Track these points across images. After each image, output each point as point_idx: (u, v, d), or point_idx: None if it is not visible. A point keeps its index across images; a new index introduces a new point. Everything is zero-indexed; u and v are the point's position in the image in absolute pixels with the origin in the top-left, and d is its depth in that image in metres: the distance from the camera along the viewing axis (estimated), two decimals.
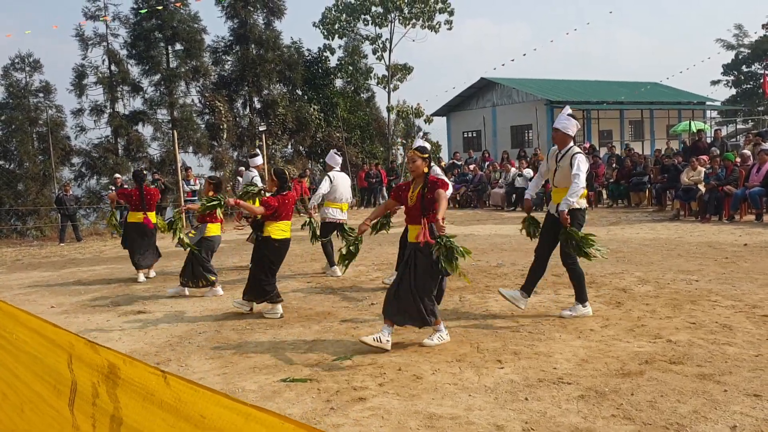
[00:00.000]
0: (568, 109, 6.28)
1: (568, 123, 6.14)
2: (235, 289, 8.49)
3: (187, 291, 8.27)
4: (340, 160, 9.61)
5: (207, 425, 1.61)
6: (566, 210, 5.88)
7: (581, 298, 6.12)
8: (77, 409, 2.16)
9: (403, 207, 5.68)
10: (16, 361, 2.50)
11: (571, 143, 6.15)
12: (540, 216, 6.59)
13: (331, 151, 9.92)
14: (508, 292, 6.28)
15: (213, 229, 8.42)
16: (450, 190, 6.28)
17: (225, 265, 10.65)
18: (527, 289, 6.26)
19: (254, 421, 1.48)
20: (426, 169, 5.40)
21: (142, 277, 9.66)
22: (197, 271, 8.10)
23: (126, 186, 15.21)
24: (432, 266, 5.22)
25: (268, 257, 6.84)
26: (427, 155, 5.48)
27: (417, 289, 5.23)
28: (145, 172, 10.87)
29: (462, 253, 5.18)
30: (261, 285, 6.78)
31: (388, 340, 5.22)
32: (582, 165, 5.98)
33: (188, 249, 8.12)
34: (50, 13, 59.07)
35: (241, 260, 11.20)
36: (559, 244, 6.12)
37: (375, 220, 5.90)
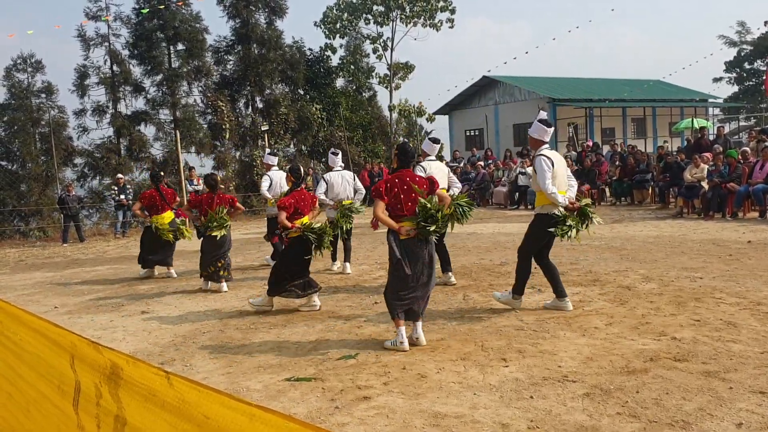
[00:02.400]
0: (542, 114, 6.35)
1: (537, 128, 6.19)
2: (238, 289, 8.49)
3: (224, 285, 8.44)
4: (337, 159, 9.29)
5: (211, 425, 1.61)
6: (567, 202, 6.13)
7: (517, 289, 6.30)
8: (81, 409, 2.16)
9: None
10: (21, 362, 2.50)
11: (543, 147, 6.12)
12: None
13: (330, 151, 9.86)
14: (550, 304, 6.38)
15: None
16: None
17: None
18: (558, 292, 6.33)
19: (259, 421, 1.48)
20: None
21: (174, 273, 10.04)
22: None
23: (129, 187, 15.26)
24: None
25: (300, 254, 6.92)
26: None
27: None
28: (162, 173, 10.86)
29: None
30: (285, 279, 6.81)
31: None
32: (539, 169, 5.94)
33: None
34: (51, 14, 59.16)
35: (244, 260, 11.20)
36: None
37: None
